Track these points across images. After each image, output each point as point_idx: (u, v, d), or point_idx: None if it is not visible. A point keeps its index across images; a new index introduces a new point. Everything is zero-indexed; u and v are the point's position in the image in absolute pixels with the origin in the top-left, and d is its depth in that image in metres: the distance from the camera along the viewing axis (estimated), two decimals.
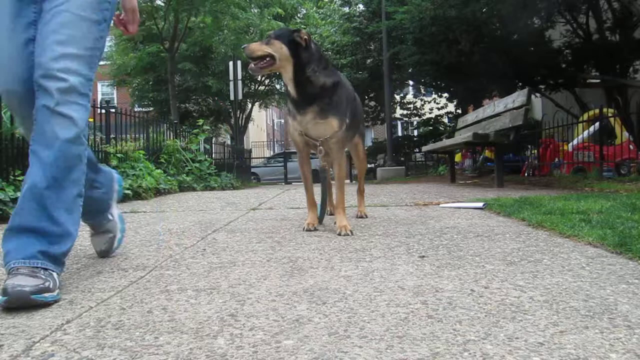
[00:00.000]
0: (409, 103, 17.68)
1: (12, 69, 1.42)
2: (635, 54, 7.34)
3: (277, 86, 20.35)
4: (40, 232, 1.35)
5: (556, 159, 8.18)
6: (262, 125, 38.68)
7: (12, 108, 1.54)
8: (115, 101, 21.49)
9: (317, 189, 2.66)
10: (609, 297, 1.25)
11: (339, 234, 2.32)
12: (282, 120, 48.22)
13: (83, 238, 2.40)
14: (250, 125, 23.20)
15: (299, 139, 2.49)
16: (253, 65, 2.34)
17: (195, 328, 1.09)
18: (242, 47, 2.42)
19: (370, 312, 1.17)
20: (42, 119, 1.38)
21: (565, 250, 1.85)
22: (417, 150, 15.53)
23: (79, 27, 1.43)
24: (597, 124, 6.95)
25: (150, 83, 17.79)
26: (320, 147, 2.42)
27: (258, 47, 2.32)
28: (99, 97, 24.29)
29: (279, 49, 2.29)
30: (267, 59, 2.31)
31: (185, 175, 6.75)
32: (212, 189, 7.12)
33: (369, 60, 14.39)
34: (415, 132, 18.00)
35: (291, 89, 2.37)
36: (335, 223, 2.50)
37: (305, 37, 2.32)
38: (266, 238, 2.28)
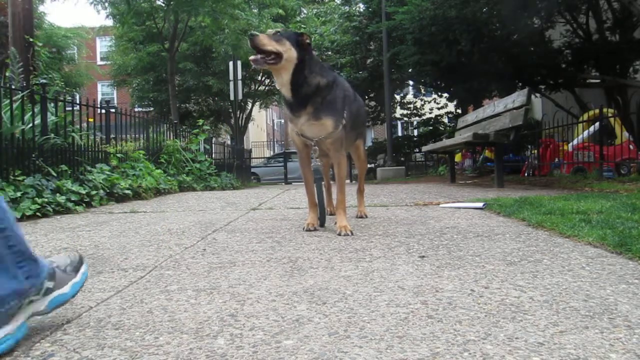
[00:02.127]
0: (409, 103, 17.67)
1: None
2: (635, 54, 7.33)
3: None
4: None
5: (556, 159, 8.18)
6: (262, 125, 38.69)
7: None
8: (115, 101, 21.54)
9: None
10: (609, 297, 1.25)
11: (339, 234, 2.32)
12: (282, 120, 48.24)
13: (83, 238, 2.41)
14: (250, 125, 23.21)
15: (297, 139, 2.50)
16: (259, 58, 2.25)
17: (195, 328, 1.09)
18: (250, 34, 2.28)
19: (370, 312, 1.17)
20: None
21: (565, 250, 1.84)
22: (417, 150, 15.52)
23: None
24: (597, 124, 6.95)
25: (151, 83, 17.81)
26: (315, 147, 2.42)
27: (268, 42, 2.24)
28: (99, 97, 24.32)
29: (288, 50, 2.27)
30: (273, 56, 2.26)
31: (185, 175, 6.75)
32: (212, 189, 7.11)
33: (369, 60, 14.37)
34: (415, 132, 17.99)
35: (286, 91, 2.36)
36: (335, 223, 2.50)
37: (308, 41, 2.35)
38: (266, 238, 2.28)
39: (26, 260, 1.04)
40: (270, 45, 2.24)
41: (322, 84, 2.34)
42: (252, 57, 2.27)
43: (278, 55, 2.25)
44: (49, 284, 1.09)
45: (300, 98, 2.34)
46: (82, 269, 1.20)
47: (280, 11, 13.46)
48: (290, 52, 2.27)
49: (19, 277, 1.02)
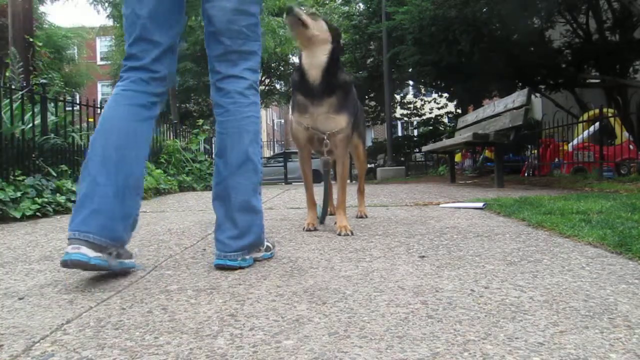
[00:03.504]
0: (409, 103, 17.68)
1: None
2: (635, 54, 7.33)
3: (277, 86, 20.36)
4: None
5: (556, 159, 8.18)
6: (262, 125, 38.66)
7: None
8: None
9: (317, 189, 2.66)
10: (609, 297, 1.25)
11: (339, 234, 2.31)
12: (282, 120, 48.20)
13: None
14: None
15: (302, 134, 2.46)
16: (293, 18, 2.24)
17: (195, 328, 1.09)
18: (289, 6, 2.29)
19: (370, 312, 1.17)
20: None
21: (565, 250, 1.85)
22: (417, 150, 15.53)
23: None
24: (597, 124, 6.95)
25: None
26: (327, 141, 2.41)
27: (305, 17, 2.26)
28: (99, 97, 24.31)
29: (322, 29, 2.30)
30: (300, 28, 2.24)
31: (185, 175, 6.75)
32: None
33: (369, 60, 14.38)
34: (415, 132, 18.00)
35: (316, 73, 2.31)
36: (335, 223, 2.50)
37: (339, 38, 2.44)
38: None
39: (130, 230, 1.58)
40: (306, 18, 2.25)
41: (348, 81, 2.44)
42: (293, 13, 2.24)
43: (306, 33, 2.26)
44: (120, 251, 1.55)
45: (326, 86, 2.34)
46: (130, 260, 1.63)
47: (280, 3, 13.39)
48: (323, 33, 2.30)
49: (129, 234, 1.58)
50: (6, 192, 3.26)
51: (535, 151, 8.57)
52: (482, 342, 0.98)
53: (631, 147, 7.15)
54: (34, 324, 1.14)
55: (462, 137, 6.45)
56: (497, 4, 6.65)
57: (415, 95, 18.16)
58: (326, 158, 2.51)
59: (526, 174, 8.72)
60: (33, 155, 3.82)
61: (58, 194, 3.66)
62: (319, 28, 2.31)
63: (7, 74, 5.95)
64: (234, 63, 1.68)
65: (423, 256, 1.80)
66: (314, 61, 2.31)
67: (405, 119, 18.22)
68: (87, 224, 1.46)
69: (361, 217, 2.96)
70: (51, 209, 3.47)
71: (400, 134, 21.57)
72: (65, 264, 1.43)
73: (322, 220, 2.58)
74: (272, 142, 39.29)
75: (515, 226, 2.47)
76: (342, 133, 2.42)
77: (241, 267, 1.64)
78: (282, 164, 17.47)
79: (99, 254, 1.45)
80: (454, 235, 2.24)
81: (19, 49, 6.51)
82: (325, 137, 2.41)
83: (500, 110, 6.02)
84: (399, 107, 17.43)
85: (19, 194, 3.34)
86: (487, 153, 10.41)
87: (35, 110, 4.26)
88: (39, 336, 1.07)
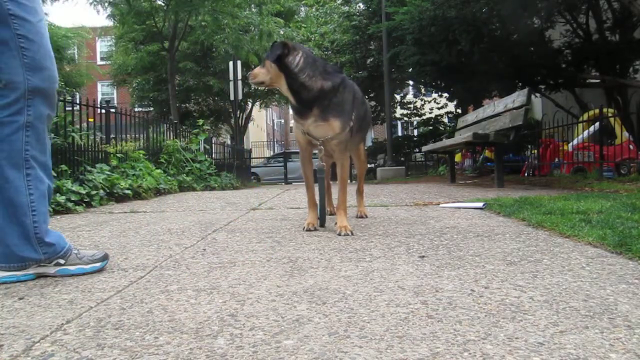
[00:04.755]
0: (409, 103, 17.66)
1: None
2: (635, 54, 7.33)
3: None
4: None
5: (556, 159, 8.18)
6: (262, 125, 38.69)
7: None
8: (115, 101, 21.55)
9: (317, 189, 2.66)
10: (609, 297, 1.25)
11: (339, 234, 2.32)
12: (282, 120, 48.22)
13: (83, 238, 2.41)
14: (250, 125, 23.20)
15: (302, 138, 2.51)
16: (253, 82, 2.51)
17: (195, 328, 1.09)
18: (248, 74, 2.57)
19: (370, 312, 1.17)
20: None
21: (565, 250, 1.85)
22: (417, 150, 15.52)
23: None
24: (597, 124, 6.95)
25: (151, 83, 17.79)
26: (321, 147, 2.43)
27: (257, 72, 2.46)
28: (99, 97, 24.32)
29: (269, 69, 2.39)
30: (263, 81, 2.45)
31: (185, 175, 6.75)
32: (212, 189, 7.11)
33: (369, 60, 14.38)
34: (415, 132, 18.00)
35: (290, 98, 2.42)
36: (335, 223, 2.50)
37: (286, 51, 2.33)
38: (266, 238, 2.28)
39: (43, 245, 1.56)
40: (257, 77, 2.45)
41: (326, 87, 2.33)
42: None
43: (262, 82, 2.46)
44: (60, 261, 1.60)
45: (303, 102, 2.36)
46: (97, 264, 1.66)
47: (278, 6, 13.42)
48: (272, 69, 2.37)
49: (38, 251, 1.55)
50: None
51: (535, 151, 8.57)
52: (482, 342, 0.98)
53: (631, 147, 7.14)
54: (34, 324, 1.14)
55: (462, 137, 6.45)
56: (497, 4, 6.65)
57: (415, 95, 18.14)
58: (322, 164, 2.53)
59: (526, 174, 8.72)
60: None
61: (58, 194, 3.66)
62: (267, 70, 2.40)
63: None
64: None
65: (423, 256, 1.80)
66: (282, 89, 2.42)
67: (405, 119, 18.19)
68: None
69: (361, 217, 2.96)
70: (51, 209, 3.47)
71: (400, 134, 21.56)
72: None
73: (322, 224, 2.59)
74: (272, 142, 39.30)
75: (515, 226, 2.48)
76: (336, 139, 2.40)
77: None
78: (282, 164, 17.48)
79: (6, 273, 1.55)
80: (454, 235, 2.24)
81: None
82: (319, 144, 2.43)
83: (500, 110, 6.02)
84: (399, 107, 17.41)
85: None
86: (487, 153, 10.41)
87: None
88: (39, 336, 1.07)
